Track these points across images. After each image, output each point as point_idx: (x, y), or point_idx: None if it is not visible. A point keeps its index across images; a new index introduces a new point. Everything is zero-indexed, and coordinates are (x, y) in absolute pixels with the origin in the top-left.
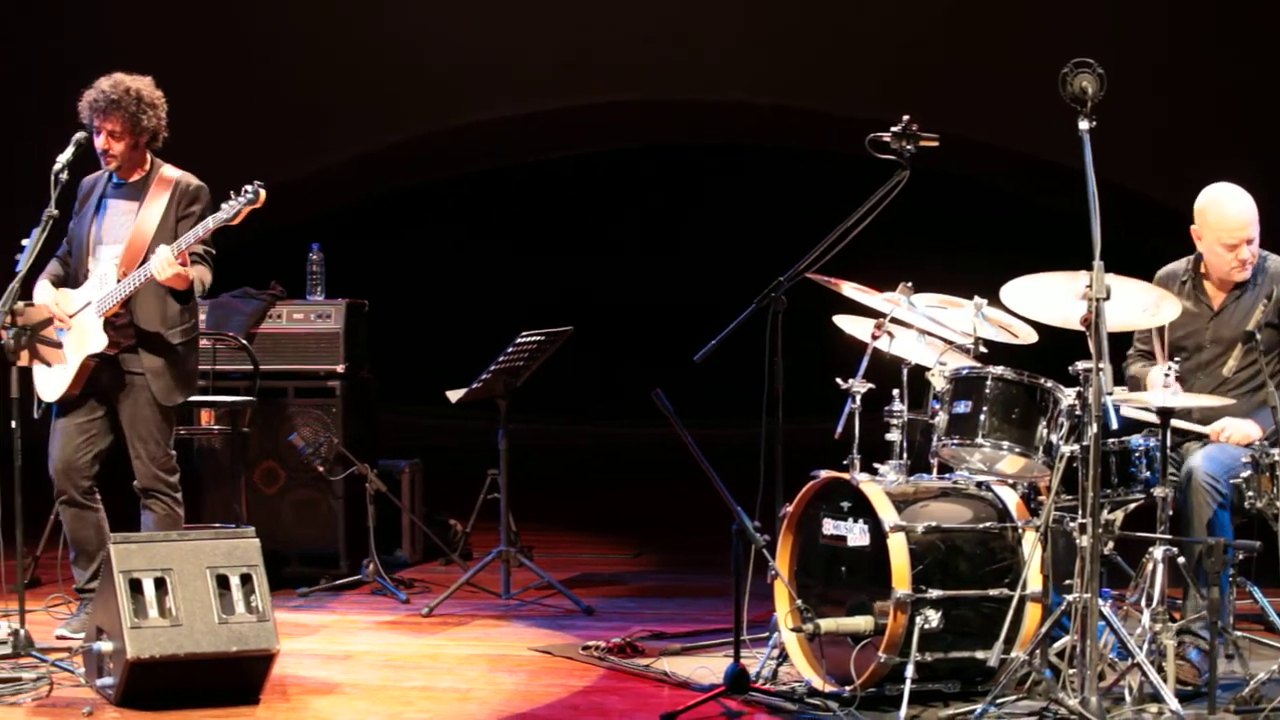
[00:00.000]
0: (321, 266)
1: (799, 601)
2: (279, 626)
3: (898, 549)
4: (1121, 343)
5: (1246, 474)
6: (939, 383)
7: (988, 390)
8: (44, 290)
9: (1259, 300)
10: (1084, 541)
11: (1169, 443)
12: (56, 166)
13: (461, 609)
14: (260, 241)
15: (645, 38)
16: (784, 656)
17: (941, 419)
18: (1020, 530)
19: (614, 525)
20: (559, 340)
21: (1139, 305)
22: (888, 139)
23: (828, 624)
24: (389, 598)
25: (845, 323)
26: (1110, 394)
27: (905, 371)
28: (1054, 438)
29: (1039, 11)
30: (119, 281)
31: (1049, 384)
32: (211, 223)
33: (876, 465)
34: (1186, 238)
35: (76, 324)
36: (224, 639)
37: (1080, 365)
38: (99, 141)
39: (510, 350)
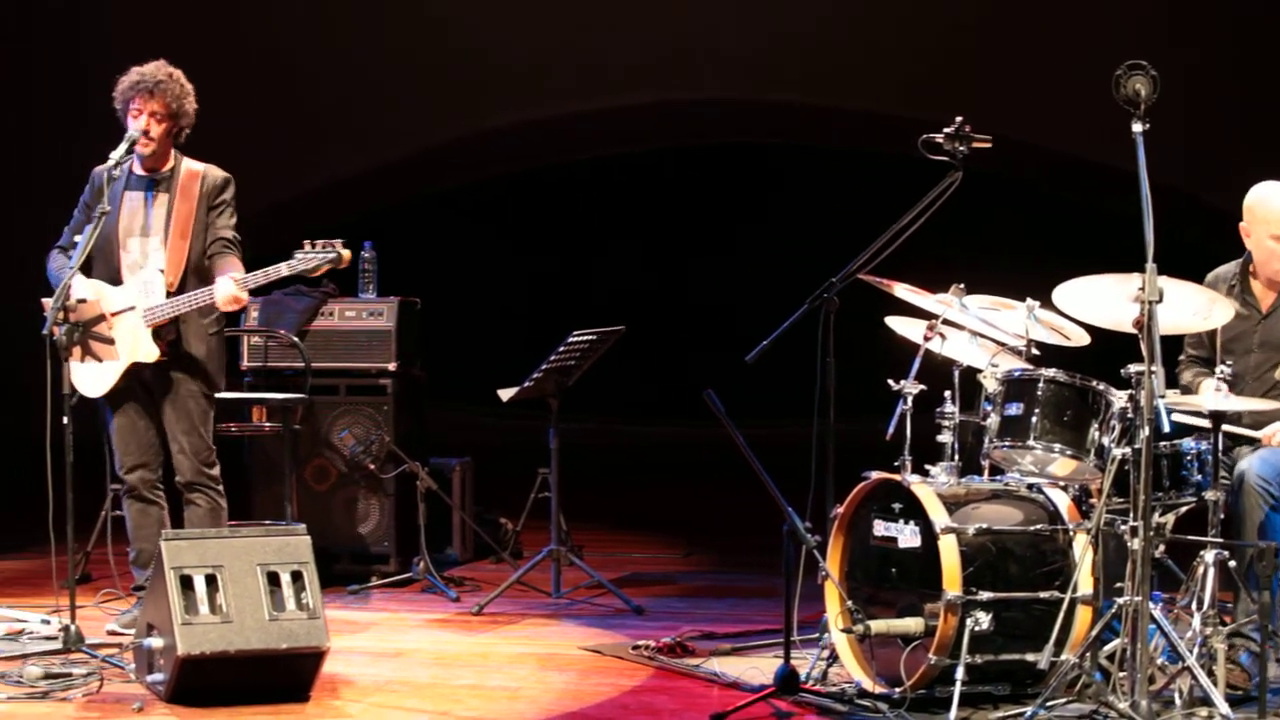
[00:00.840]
0: (374, 264)
1: (849, 602)
2: (329, 624)
3: (949, 551)
4: (1173, 345)
5: None
6: (991, 384)
7: (1040, 392)
8: (82, 282)
9: None
10: (1135, 544)
11: (1220, 446)
12: (109, 163)
13: (512, 608)
14: (313, 239)
15: (696, 36)
16: (834, 657)
17: (993, 421)
18: (1071, 533)
19: (664, 525)
20: (611, 340)
21: (1191, 308)
22: (940, 140)
23: (878, 625)
24: (439, 596)
25: (897, 324)
26: (1162, 397)
27: (957, 373)
28: (1106, 440)
29: (1093, 11)
30: (169, 293)
31: (1101, 386)
32: (285, 269)
33: (928, 467)
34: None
35: (118, 325)
36: (274, 636)
37: (1132, 368)
38: (139, 124)
39: (562, 349)
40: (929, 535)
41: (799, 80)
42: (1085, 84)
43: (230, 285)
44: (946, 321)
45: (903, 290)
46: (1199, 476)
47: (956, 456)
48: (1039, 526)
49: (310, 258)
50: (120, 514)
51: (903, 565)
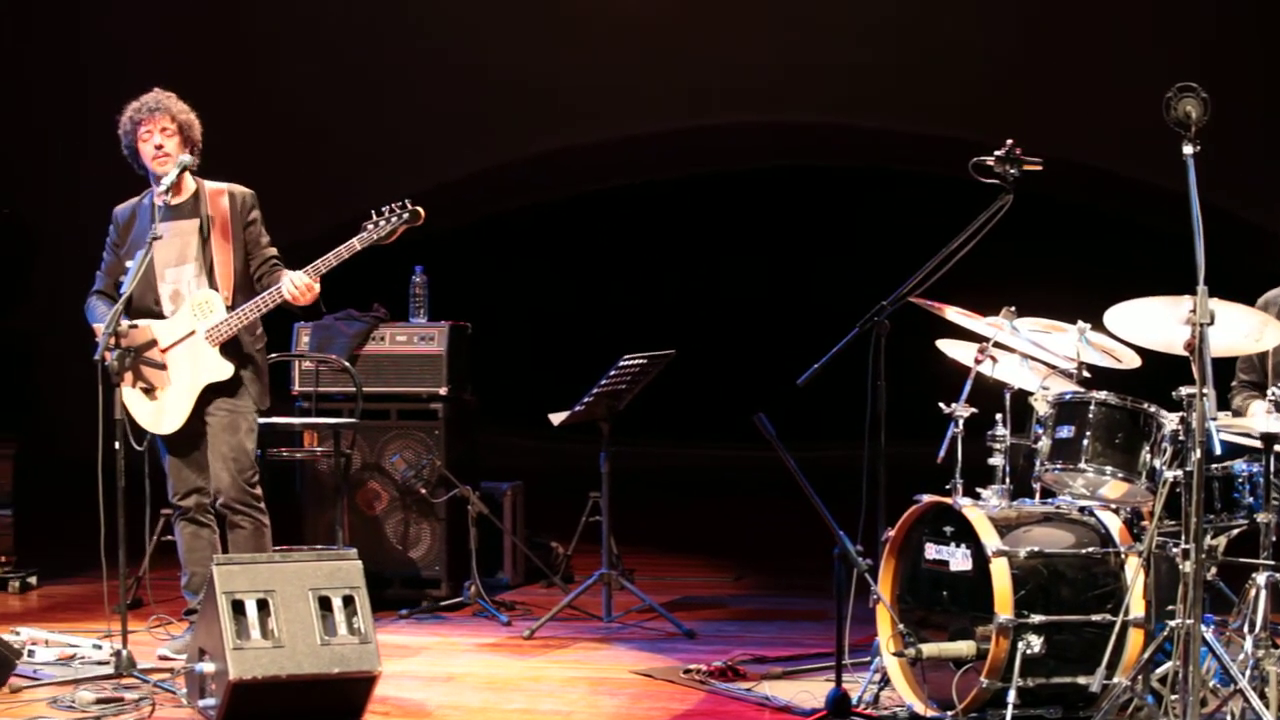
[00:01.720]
0: (425, 289)
1: (901, 626)
2: (381, 648)
3: (1000, 574)
4: (1225, 368)
5: None
6: (1042, 407)
7: (1091, 415)
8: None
9: None
10: (1187, 567)
11: (1272, 468)
12: (160, 188)
13: (563, 631)
14: (363, 264)
15: (745, 62)
16: (885, 681)
17: (1044, 444)
18: (1123, 556)
19: (715, 548)
20: (661, 364)
21: (1242, 331)
22: (991, 163)
23: (930, 649)
24: (490, 620)
25: (948, 347)
26: (1214, 419)
27: (1008, 396)
28: (1157, 463)
29: (1142, 33)
30: (229, 308)
31: (1152, 409)
32: (358, 244)
33: (979, 490)
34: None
35: (179, 356)
36: (326, 660)
37: (1184, 390)
38: (151, 143)
39: (613, 373)
40: (980, 558)
41: (848, 104)
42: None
43: (300, 275)
44: (998, 344)
45: (954, 313)
46: (1250, 499)
47: (1008, 479)
48: (1091, 549)
49: (383, 225)
50: (170, 538)
51: (954, 588)
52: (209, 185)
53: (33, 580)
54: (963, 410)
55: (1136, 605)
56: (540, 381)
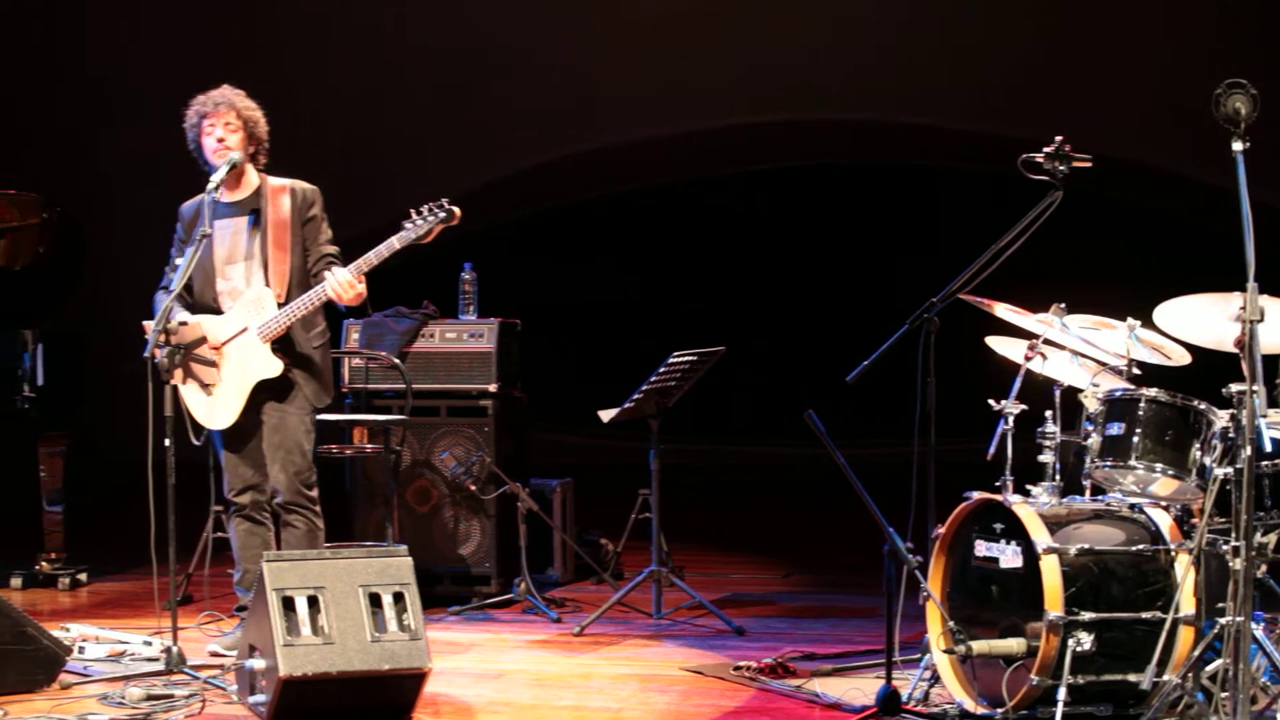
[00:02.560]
0: (474, 286)
1: (951, 623)
2: (431, 645)
3: (1050, 571)
4: (1276, 365)
5: None
6: (1092, 404)
7: (1141, 412)
8: (187, 320)
9: None
10: (1237, 565)
11: None
12: (210, 186)
13: (613, 628)
14: (412, 261)
15: (795, 59)
16: (935, 678)
17: (1094, 441)
18: (1173, 553)
19: (765, 545)
20: (711, 360)
21: None
22: (1040, 159)
23: (980, 646)
24: (540, 617)
25: (998, 344)
26: (1264, 416)
27: (1058, 393)
28: (1207, 460)
29: (1189, 31)
30: (280, 305)
31: (1202, 406)
32: (398, 242)
33: (1029, 487)
34: None
35: (233, 351)
36: (376, 657)
37: (1234, 387)
38: (213, 137)
39: (662, 370)
40: (1031, 556)
41: (895, 100)
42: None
43: (344, 272)
44: (1047, 341)
45: (1003, 310)
46: None
47: (1058, 476)
48: (1141, 547)
49: (420, 224)
50: (221, 535)
51: (1004, 586)
52: (272, 181)
53: (83, 577)
54: (1013, 407)
55: (1187, 603)
56: (590, 378)
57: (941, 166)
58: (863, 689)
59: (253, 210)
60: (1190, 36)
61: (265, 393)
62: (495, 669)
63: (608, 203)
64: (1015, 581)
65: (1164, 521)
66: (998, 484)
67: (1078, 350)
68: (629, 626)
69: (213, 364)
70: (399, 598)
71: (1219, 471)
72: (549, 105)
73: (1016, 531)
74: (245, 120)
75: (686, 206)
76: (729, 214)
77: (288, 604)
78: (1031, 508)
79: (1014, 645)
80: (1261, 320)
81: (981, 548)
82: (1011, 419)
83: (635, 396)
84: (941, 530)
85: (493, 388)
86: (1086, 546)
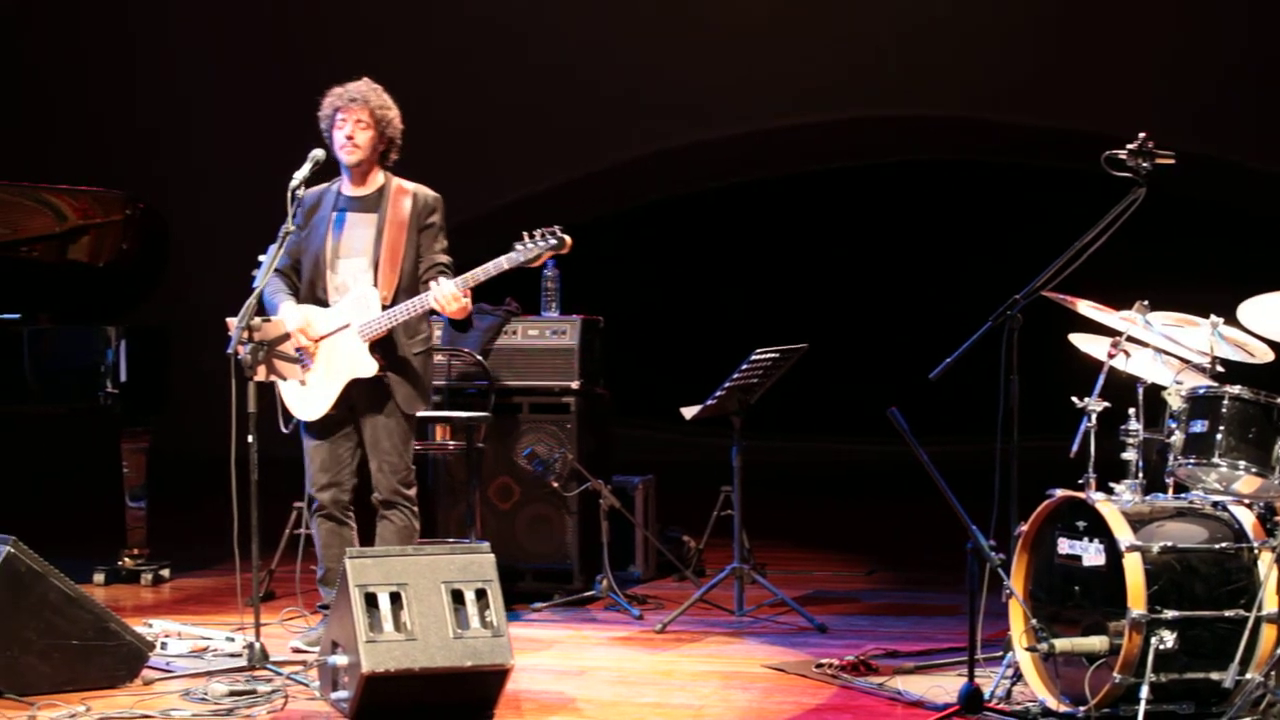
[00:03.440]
0: (557, 283)
1: (1034, 621)
2: (513, 641)
3: (1133, 569)
4: None
5: None
6: (1175, 402)
7: (1224, 410)
8: (291, 311)
9: None
10: None
11: None
12: (293, 183)
13: (695, 625)
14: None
15: (879, 54)
16: (1018, 676)
17: (1178, 438)
18: (1256, 551)
19: (848, 543)
20: (793, 357)
21: None
22: (1124, 156)
23: (1062, 644)
24: (622, 614)
25: (1081, 341)
26: None
27: (1141, 390)
28: None
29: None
30: (384, 306)
31: None
32: (506, 263)
33: (1112, 484)
34: None
35: (332, 346)
36: (459, 654)
37: None
38: (343, 132)
39: (745, 367)
40: (1114, 553)
41: (980, 99)
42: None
43: (449, 284)
44: (1130, 339)
45: (1086, 307)
46: None
47: (1141, 474)
48: (1224, 544)
49: (530, 248)
50: (303, 531)
51: (1087, 583)
52: (397, 183)
53: (165, 573)
54: (1095, 405)
55: (1270, 601)
56: (673, 375)
57: (1028, 163)
58: (945, 687)
59: (374, 209)
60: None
61: (360, 394)
62: (577, 666)
63: (692, 200)
64: (1098, 579)
65: (1247, 519)
66: (1081, 481)
67: (1161, 347)
68: (711, 623)
69: (295, 360)
70: (481, 594)
71: None
72: (635, 102)
73: (1099, 529)
74: (377, 119)
75: (771, 203)
76: (813, 211)
77: (371, 600)
78: (1114, 505)
79: (1097, 643)
80: None
81: (1064, 545)
82: (1095, 416)
83: (718, 393)
84: (1024, 528)
85: (575, 384)
86: (1169, 544)
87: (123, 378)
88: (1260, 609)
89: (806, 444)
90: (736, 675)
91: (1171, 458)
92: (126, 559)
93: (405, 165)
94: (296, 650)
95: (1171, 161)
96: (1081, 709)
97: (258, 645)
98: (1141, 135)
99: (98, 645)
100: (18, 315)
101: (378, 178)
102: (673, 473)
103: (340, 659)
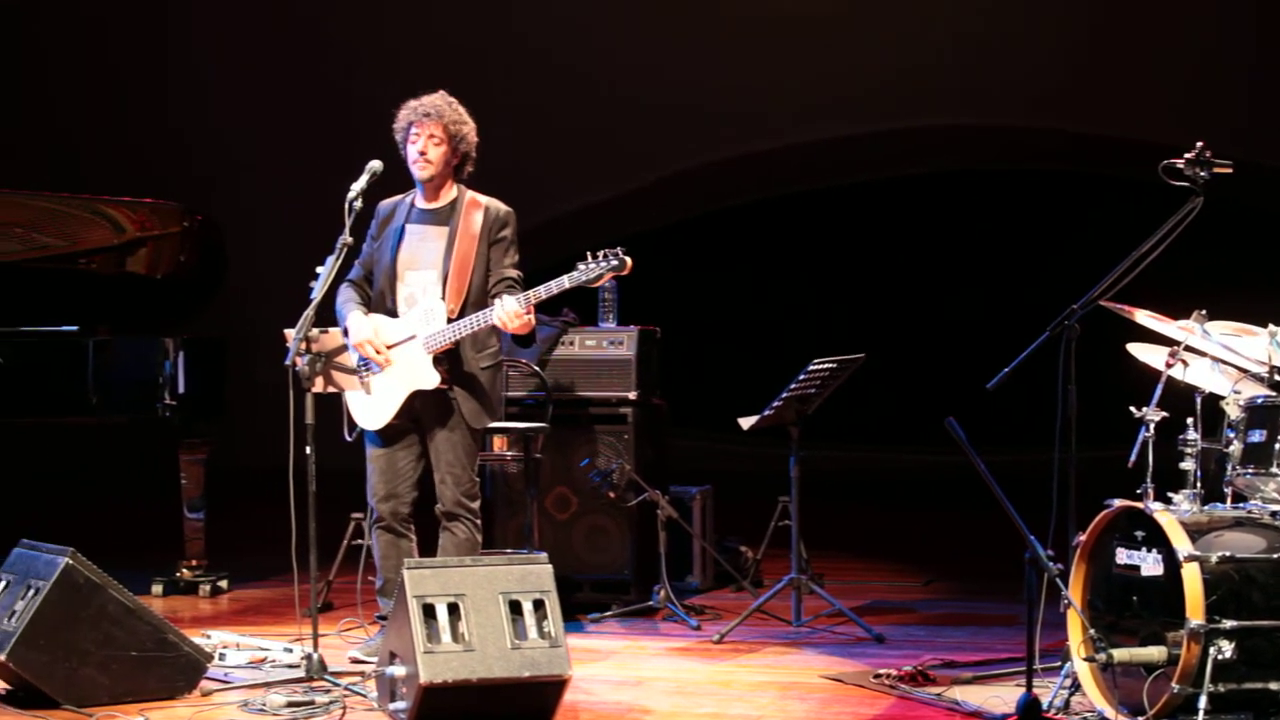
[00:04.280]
0: (614, 293)
1: (1092, 631)
2: (570, 652)
3: (1192, 579)
4: None
5: None
6: (1233, 411)
7: None
8: (360, 321)
9: None
10: None
11: None
12: (351, 194)
13: (752, 636)
14: (554, 270)
15: (938, 64)
16: (1076, 686)
17: (1236, 448)
18: None
19: (905, 553)
20: (851, 367)
21: None
22: (1181, 165)
23: (1121, 654)
24: (680, 624)
25: (1139, 350)
26: None
27: (1199, 400)
28: None
29: None
30: (449, 319)
31: None
32: (568, 281)
33: (1170, 494)
34: None
35: (398, 356)
36: (516, 664)
37: None
38: (416, 147)
39: (802, 377)
40: (1172, 563)
41: (1040, 106)
42: None
43: (512, 302)
44: (1188, 348)
45: (1144, 317)
46: None
47: (1199, 484)
48: None
49: (592, 268)
50: (361, 543)
51: (1145, 593)
52: (470, 196)
53: (223, 584)
54: (1154, 414)
55: None
56: (729, 385)
57: (1083, 173)
58: (1003, 697)
59: (445, 221)
60: None
61: (425, 406)
62: (635, 676)
63: (747, 210)
64: (1156, 589)
65: None
66: (1139, 491)
67: (1219, 357)
68: (768, 634)
69: (354, 371)
70: (539, 605)
71: None
72: (690, 113)
73: (1158, 539)
74: (451, 135)
75: (827, 213)
76: (870, 220)
77: (428, 611)
78: (1173, 515)
79: (1155, 653)
80: None
81: (1123, 555)
82: (1153, 426)
83: (775, 403)
84: (1082, 538)
85: (632, 395)
86: (1228, 554)
87: (181, 389)
88: None
89: (864, 454)
90: (794, 686)
91: (1230, 467)
92: (184, 570)
93: (473, 172)
94: (354, 661)
95: (1229, 171)
96: (1139, 719)
97: (316, 656)
98: (1199, 144)
99: (156, 656)
100: (76, 327)
101: (451, 191)
102: (730, 483)
103: (398, 670)
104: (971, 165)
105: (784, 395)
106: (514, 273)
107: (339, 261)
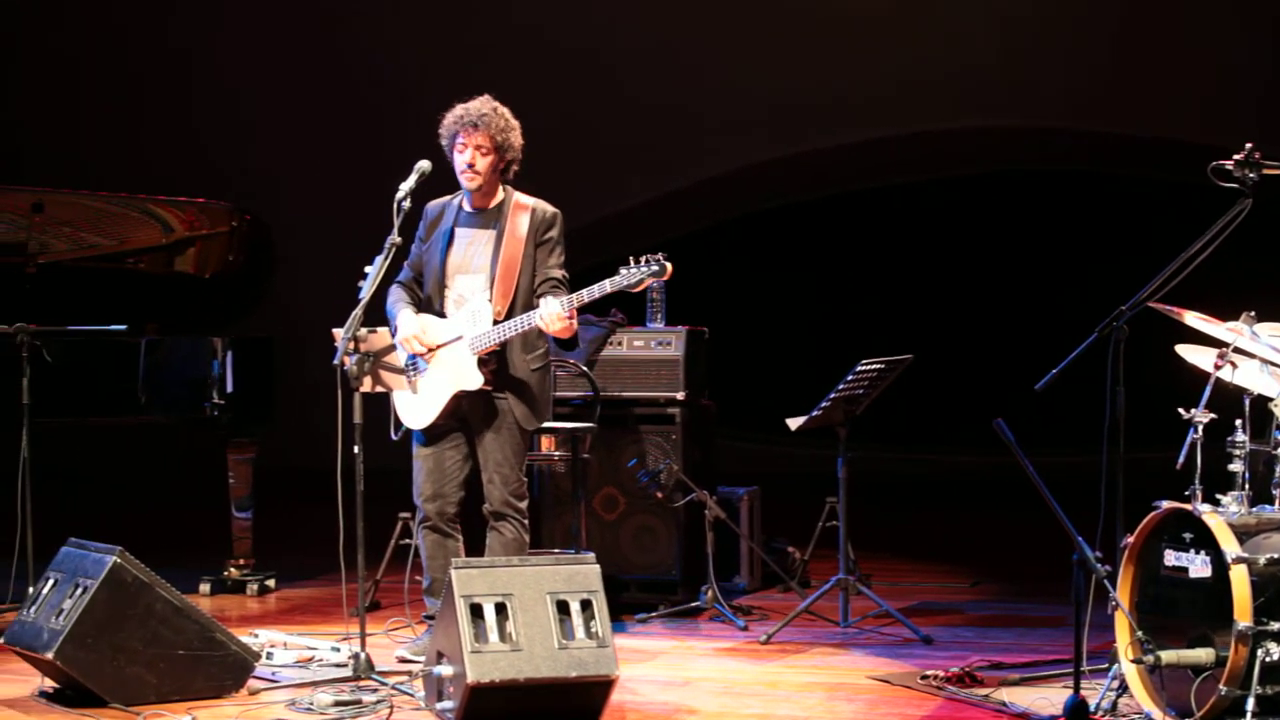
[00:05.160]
0: (662, 294)
1: (1139, 633)
2: (617, 652)
3: (1239, 581)
4: None
5: None
6: None
7: None
8: (409, 319)
9: None
10: None
11: None
12: (399, 195)
13: (800, 636)
14: (600, 270)
15: (980, 65)
16: (1124, 688)
17: None
18: None
19: (953, 554)
20: (899, 368)
21: None
22: (1230, 166)
23: (1168, 656)
24: (727, 624)
25: (1187, 352)
26: None
27: (1248, 402)
28: None
29: None
30: (495, 321)
31: None
32: (610, 286)
33: (1218, 496)
34: None
35: (444, 356)
36: (563, 664)
37: None
38: (464, 158)
39: (850, 378)
40: (1220, 565)
41: (1088, 107)
42: None
43: (555, 304)
44: (1237, 350)
45: (1193, 319)
46: None
47: (1247, 486)
48: None
49: (633, 273)
50: (409, 542)
51: (1193, 595)
52: (517, 198)
53: (271, 583)
54: (1202, 416)
55: None
56: (777, 386)
57: (1130, 174)
58: (1050, 698)
59: (492, 224)
60: None
61: (472, 407)
62: (682, 676)
63: (796, 210)
64: (1204, 591)
65: None
66: (1187, 493)
67: (1268, 359)
68: (816, 634)
69: (402, 371)
70: (586, 605)
71: None
72: (738, 113)
73: (1206, 541)
74: (497, 145)
75: (874, 213)
76: (917, 221)
77: (476, 611)
78: (1221, 517)
79: (1203, 655)
80: None
81: (1170, 557)
82: (1201, 428)
83: (823, 404)
84: (1130, 539)
85: (680, 395)
86: (1276, 556)
87: (229, 389)
88: None
89: (911, 455)
90: (842, 686)
91: (1278, 469)
92: (232, 569)
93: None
94: (402, 660)
95: (1279, 172)
96: None
97: (363, 655)
98: (1248, 146)
99: (204, 655)
100: (124, 326)
101: (498, 193)
102: (777, 483)
103: (445, 669)
104: (1020, 166)
105: (832, 396)
106: (559, 273)
107: (387, 261)
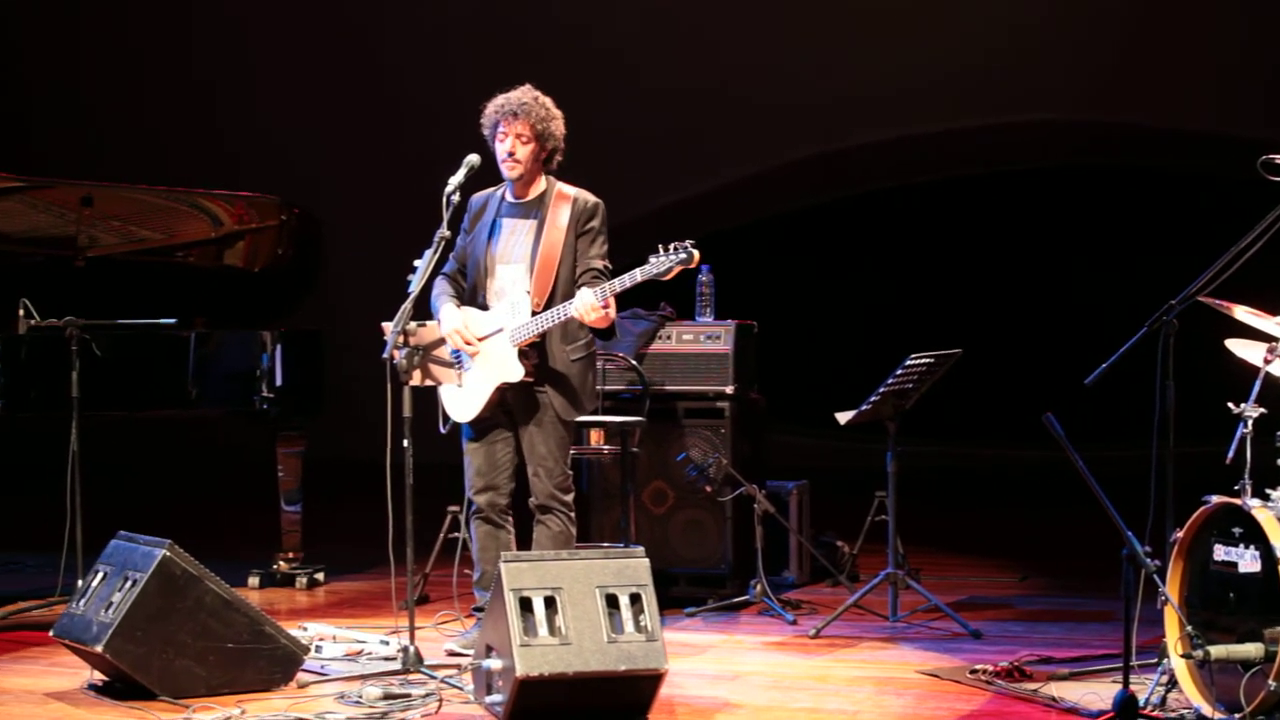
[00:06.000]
0: (711, 288)
1: (1189, 627)
2: (667, 646)
3: None
4: None
5: None
6: None
7: None
8: (451, 313)
9: None
10: None
11: None
12: (449, 189)
13: (849, 630)
14: (665, 243)
15: (1029, 59)
16: (1173, 683)
17: None
18: None
19: (1002, 548)
20: (948, 363)
21: None
22: (1279, 160)
23: (1217, 651)
24: (776, 618)
25: (1237, 346)
26: None
27: None
28: None
29: None
30: (534, 312)
31: None
32: (640, 275)
33: (1268, 491)
34: None
35: (487, 349)
36: (613, 658)
37: None
38: (504, 147)
39: (899, 372)
40: (1270, 560)
41: (1136, 101)
42: None
43: (589, 294)
44: None
45: (1243, 313)
46: None
47: None
48: None
49: (663, 261)
50: (458, 536)
51: (1242, 590)
52: (559, 188)
53: (320, 576)
54: (1252, 410)
55: None
56: (827, 380)
57: (1181, 169)
58: (1100, 693)
59: (534, 215)
60: None
61: (516, 399)
62: (731, 670)
63: (844, 204)
64: (1254, 586)
65: None
66: (1236, 488)
67: None
68: (865, 628)
69: (450, 364)
70: (636, 599)
71: None
72: (789, 105)
73: (1255, 536)
74: (538, 133)
75: (925, 208)
76: (968, 216)
77: (525, 604)
78: (1271, 512)
79: (1252, 650)
80: None
81: (1220, 552)
82: (1251, 422)
83: (872, 399)
84: (1180, 534)
85: (729, 389)
86: None
87: (279, 382)
88: None
89: (961, 449)
90: (890, 681)
91: None
92: (281, 562)
93: (577, 165)
94: (451, 653)
95: None
96: (1236, 716)
97: (412, 649)
98: None
99: (253, 648)
100: (174, 320)
101: (540, 184)
102: (827, 478)
103: (494, 663)
104: (1068, 160)
105: (881, 390)
106: (600, 263)
107: (436, 255)
